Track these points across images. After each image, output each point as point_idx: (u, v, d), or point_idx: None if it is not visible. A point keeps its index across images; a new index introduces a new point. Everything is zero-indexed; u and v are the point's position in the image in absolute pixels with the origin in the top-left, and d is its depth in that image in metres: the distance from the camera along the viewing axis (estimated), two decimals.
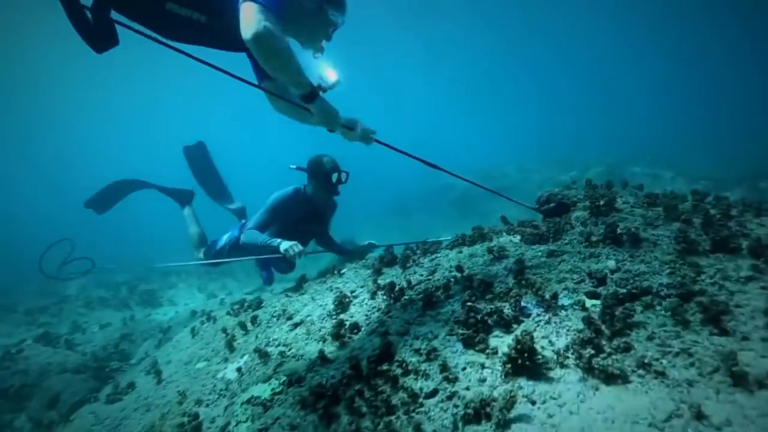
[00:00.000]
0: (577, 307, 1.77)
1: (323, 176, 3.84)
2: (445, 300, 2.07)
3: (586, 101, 41.86)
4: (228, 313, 3.49)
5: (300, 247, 3.41)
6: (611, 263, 1.90)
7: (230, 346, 2.76)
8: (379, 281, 2.71)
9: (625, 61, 35.60)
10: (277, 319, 2.85)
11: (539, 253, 2.34)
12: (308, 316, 2.67)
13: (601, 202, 2.46)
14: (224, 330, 3.05)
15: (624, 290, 1.78)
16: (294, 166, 4.04)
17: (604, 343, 1.52)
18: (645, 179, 10.07)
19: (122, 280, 8.18)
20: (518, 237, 2.68)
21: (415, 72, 38.87)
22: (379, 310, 2.34)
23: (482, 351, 1.56)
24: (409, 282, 2.46)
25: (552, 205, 2.95)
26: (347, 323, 2.23)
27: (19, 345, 4.12)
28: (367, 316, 2.33)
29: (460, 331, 1.61)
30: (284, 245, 3.39)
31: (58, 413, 3.26)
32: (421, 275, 2.61)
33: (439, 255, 2.94)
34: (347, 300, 2.53)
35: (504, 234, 2.91)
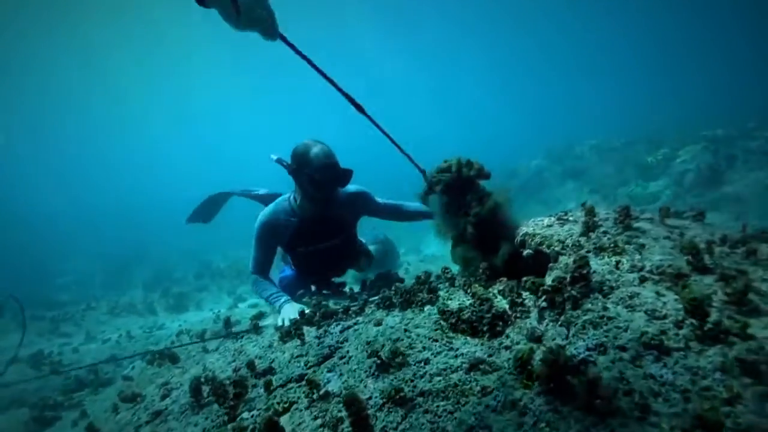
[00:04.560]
0: None
1: (307, 178, 2.66)
2: None
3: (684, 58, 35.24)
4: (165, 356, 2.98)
5: (296, 313, 2.35)
6: None
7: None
8: (267, 357, 1.96)
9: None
10: (158, 391, 2.26)
11: (455, 363, 1.38)
12: (174, 402, 2.02)
13: (567, 273, 1.35)
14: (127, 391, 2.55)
15: None
16: (275, 157, 2.89)
17: None
18: (764, 159, 7.67)
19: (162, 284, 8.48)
20: (456, 302, 1.70)
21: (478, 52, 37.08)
22: (209, 422, 1.60)
23: None
24: (268, 384, 1.66)
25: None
26: None
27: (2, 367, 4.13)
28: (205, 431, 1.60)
29: None
30: (281, 315, 2.47)
31: None
32: (306, 363, 1.80)
33: (359, 322, 2.08)
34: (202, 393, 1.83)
35: (451, 294, 1.94)
